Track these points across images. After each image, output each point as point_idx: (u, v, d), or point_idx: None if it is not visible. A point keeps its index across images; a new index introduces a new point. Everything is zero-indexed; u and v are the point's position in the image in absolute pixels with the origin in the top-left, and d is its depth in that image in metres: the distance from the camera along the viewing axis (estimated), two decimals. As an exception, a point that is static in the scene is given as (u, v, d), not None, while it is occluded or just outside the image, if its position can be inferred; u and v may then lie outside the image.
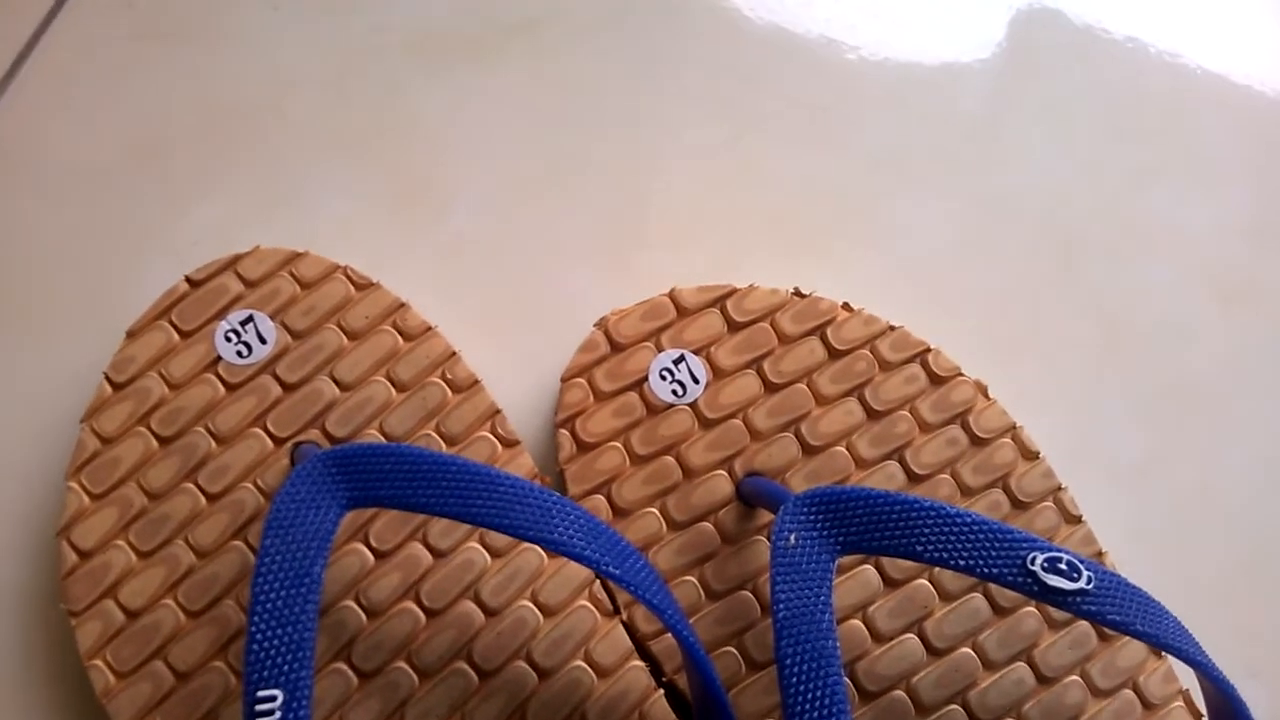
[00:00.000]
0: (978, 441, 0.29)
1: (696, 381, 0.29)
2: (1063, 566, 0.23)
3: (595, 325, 0.29)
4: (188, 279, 0.29)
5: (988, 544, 0.23)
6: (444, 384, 0.28)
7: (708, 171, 0.34)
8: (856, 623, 0.27)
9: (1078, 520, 0.28)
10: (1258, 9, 0.38)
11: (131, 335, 0.28)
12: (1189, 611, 0.24)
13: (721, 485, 0.28)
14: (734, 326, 0.29)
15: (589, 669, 0.26)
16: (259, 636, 0.20)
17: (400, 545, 0.27)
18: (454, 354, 0.28)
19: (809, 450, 0.28)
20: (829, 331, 0.29)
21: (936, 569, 0.27)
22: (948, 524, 0.23)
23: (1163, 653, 0.28)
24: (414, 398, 0.28)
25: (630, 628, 0.27)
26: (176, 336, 0.28)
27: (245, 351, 0.28)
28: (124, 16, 0.35)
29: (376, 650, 0.26)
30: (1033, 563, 0.23)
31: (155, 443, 0.27)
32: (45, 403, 0.30)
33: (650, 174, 0.34)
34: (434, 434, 0.28)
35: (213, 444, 0.27)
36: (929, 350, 0.29)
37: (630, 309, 0.29)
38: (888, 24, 0.37)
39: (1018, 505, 0.28)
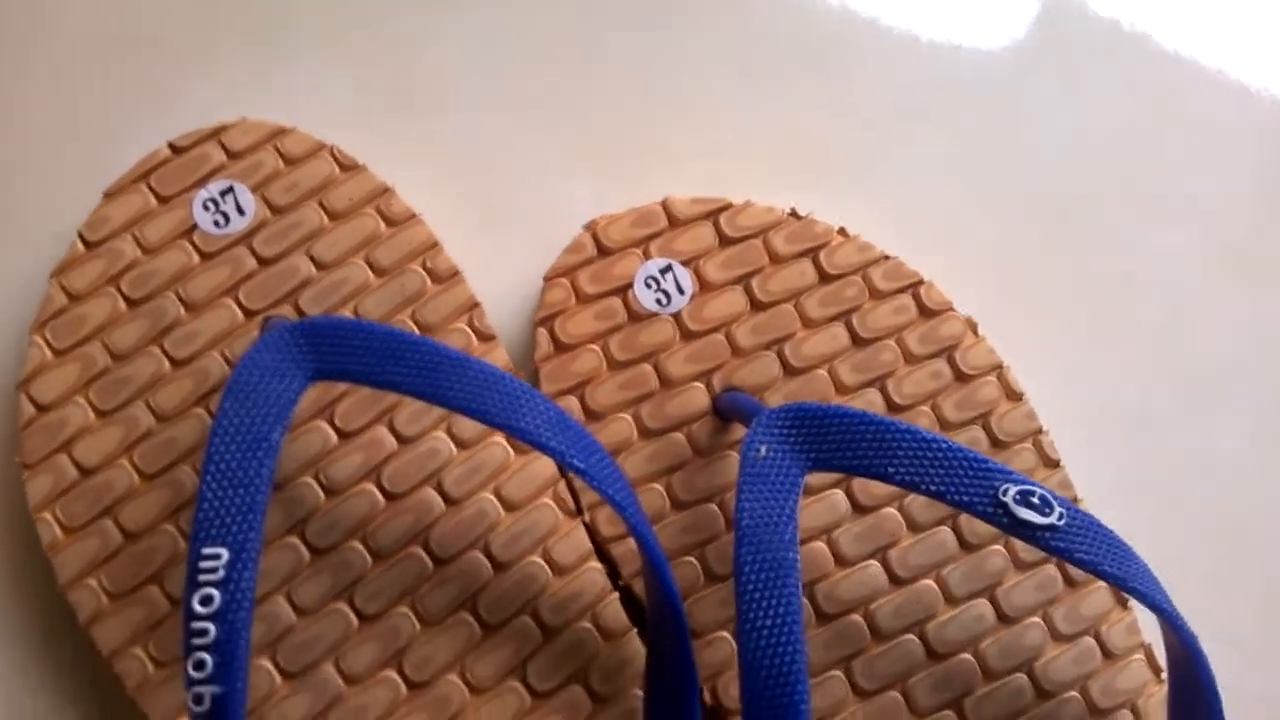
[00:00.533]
0: (962, 377, 0.28)
1: (682, 292, 0.28)
2: (1035, 500, 0.22)
3: (584, 227, 0.29)
4: (170, 145, 0.28)
5: (961, 471, 0.22)
6: (424, 272, 0.27)
7: (714, 93, 0.34)
8: (820, 545, 0.27)
9: (1056, 465, 0.28)
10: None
11: (109, 196, 0.27)
12: (1158, 571, 0.24)
13: (698, 397, 0.27)
14: (725, 241, 0.28)
15: (545, 565, 0.26)
16: (210, 496, 0.20)
17: (365, 427, 0.26)
18: (436, 244, 0.28)
19: (790, 371, 0.28)
20: (822, 255, 0.28)
21: (907, 499, 0.27)
22: (922, 447, 0.23)
23: (1128, 605, 0.27)
24: (392, 283, 0.27)
25: (592, 530, 0.27)
26: (154, 201, 0.27)
27: (222, 221, 0.27)
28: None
29: (331, 529, 0.26)
30: (1005, 494, 0.22)
31: (124, 304, 0.26)
32: (18, 258, 0.29)
33: (658, 89, 0.33)
34: (409, 320, 0.27)
35: (182, 310, 0.27)
36: (922, 283, 0.28)
37: (621, 214, 0.28)
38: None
39: (997, 444, 0.28)
